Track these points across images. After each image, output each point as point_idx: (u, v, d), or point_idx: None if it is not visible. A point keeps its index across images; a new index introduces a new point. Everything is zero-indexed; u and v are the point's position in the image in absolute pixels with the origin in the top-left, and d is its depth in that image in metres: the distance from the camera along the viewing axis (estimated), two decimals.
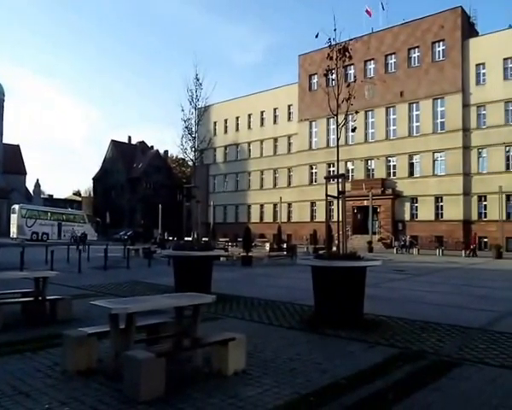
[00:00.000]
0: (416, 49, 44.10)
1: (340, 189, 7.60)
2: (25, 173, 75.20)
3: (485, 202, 39.78)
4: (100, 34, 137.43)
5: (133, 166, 77.03)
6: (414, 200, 43.38)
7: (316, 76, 49.04)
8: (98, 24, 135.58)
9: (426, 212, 42.24)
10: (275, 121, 55.57)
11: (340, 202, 7.58)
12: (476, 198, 40.21)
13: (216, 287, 9.85)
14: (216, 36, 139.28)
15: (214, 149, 59.73)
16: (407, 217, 43.50)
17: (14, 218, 47.53)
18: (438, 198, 41.91)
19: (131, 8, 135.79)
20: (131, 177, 75.15)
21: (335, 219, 7.74)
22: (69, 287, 10.85)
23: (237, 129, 59.63)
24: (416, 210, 43.30)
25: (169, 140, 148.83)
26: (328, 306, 6.99)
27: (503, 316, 8.36)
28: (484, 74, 40.44)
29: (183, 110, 12.03)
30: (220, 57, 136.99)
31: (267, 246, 27.96)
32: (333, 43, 8.01)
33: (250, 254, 20.24)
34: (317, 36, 8.49)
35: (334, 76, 8.22)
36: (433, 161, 42.63)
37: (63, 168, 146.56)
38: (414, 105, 44.09)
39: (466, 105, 40.76)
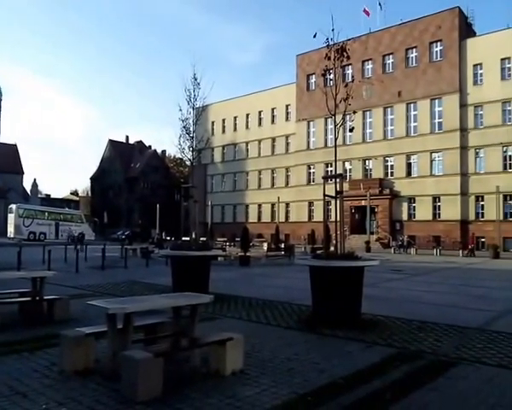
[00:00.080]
0: (414, 50, 44.20)
1: (338, 189, 7.60)
2: (22, 173, 75.06)
3: (482, 202, 39.91)
4: (99, 34, 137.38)
5: (131, 165, 76.95)
6: (411, 200, 43.47)
7: (314, 76, 49.07)
8: (97, 23, 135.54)
9: (423, 212, 42.33)
10: (273, 121, 55.60)
11: (338, 201, 7.59)
12: (473, 198, 40.33)
13: (214, 287, 9.84)
14: (214, 35, 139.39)
15: (212, 149, 59.71)
16: (405, 217, 43.59)
17: (11, 217, 47.41)
18: (435, 198, 42.01)
19: (130, 8, 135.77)
20: (129, 176, 75.07)
21: (333, 219, 7.74)
22: (67, 287, 10.82)
23: (235, 129, 59.63)
24: (414, 210, 43.40)
25: (167, 140, 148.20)
26: (325, 306, 7.00)
27: (500, 316, 8.39)
28: (481, 75, 40.56)
29: (180, 110, 12.00)
30: (218, 57, 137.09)
31: (265, 246, 27.97)
32: (331, 43, 8.01)
33: (248, 254, 20.24)
34: (314, 36, 8.48)
35: (331, 76, 8.22)
36: (431, 161, 42.74)
37: (61, 168, 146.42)
38: (411, 105, 44.18)
39: (463, 105, 40.87)
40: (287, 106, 53.90)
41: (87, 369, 4.49)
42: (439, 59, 42.66)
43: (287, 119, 54.04)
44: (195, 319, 4.74)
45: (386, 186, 44.36)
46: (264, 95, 55.43)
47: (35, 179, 74.80)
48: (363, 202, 42.30)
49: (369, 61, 46.76)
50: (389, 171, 45.39)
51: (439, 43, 42.73)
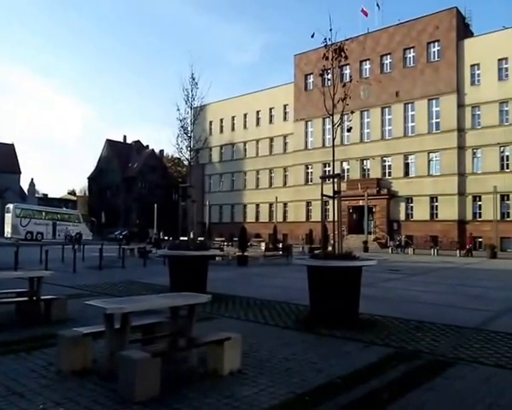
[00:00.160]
0: (412, 50, 44.27)
1: (336, 189, 7.61)
2: (19, 172, 74.80)
3: (479, 202, 40.00)
4: (97, 34, 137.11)
5: (128, 165, 76.83)
6: (409, 200, 43.55)
7: (312, 76, 49.10)
8: (95, 23, 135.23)
9: (421, 212, 42.41)
10: (270, 121, 55.61)
11: (336, 201, 7.60)
12: (471, 198, 40.43)
13: (211, 287, 9.84)
14: (212, 35, 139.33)
15: (210, 149, 59.70)
16: (402, 217, 43.67)
17: (8, 217, 47.30)
18: (433, 198, 42.09)
19: (130, 8, 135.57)
20: (127, 176, 74.94)
21: (331, 218, 7.74)
22: (64, 287, 10.80)
23: (233, 128, 59.62)
24: (411, 210, 43.48)
25: (164, 139, 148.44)
26: (323, 305, 7.00)
27: (497, 316, 8.41)
28: (479, 75, 40.65)
29: (178, 109, 12.01)
30: (217, 57, 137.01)
31: (263, 246, 27.96)
32: (328, 43, 8.02)
33: (246, 253, 20.24)
34: (312, 36, 8.50)
35: (329, 76, 8.23)
36: (428, 161, 42.82)
37: (58, 167, 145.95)
38: (409, 105, 44.25)
39: (461, 105, 40.96)
40: (285, 106, 53.91)
41: (84, 369, 4.48)
42: (436, 59, 42.75)
43: (285, 118, 54.07)
44: (193, 319, 4.74)
45: (383, 186, 44.43)
46: (262, 95, 55.44)
47: (32, 179, 74.45)
48: (360, 202, 42.35)
49: (367, 61, 46.82)
50: (387, 171, 45.45)
51: (436, 44, 42.81)
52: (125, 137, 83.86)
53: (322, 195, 7.71)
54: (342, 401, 3.87)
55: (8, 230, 46.92)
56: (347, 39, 8.48)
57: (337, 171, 8.22)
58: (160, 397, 3.86)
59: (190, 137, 12.02)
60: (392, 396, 4.00)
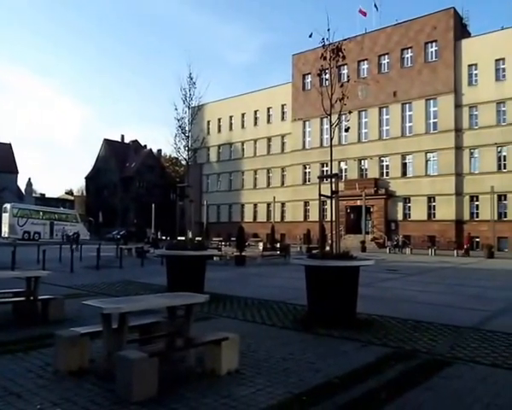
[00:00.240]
0: (409, 50, 44.34)
1: (334, 188, 7.62)
2: (16, 172, 74.60)
3: (477, 202, 40.10)
4: (96, 33, 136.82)
5: (126, 165, 76.74)
6: (407, 200, 43.62)
7: (309, 76, 49.14)
8: (94, 22, 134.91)
9: (418, 212, 42.49)
10: (268, 121, 55.61)
11: (334, 201, 7.60)
12: (468, 198, 40.53)
13: (209, 287, 9.83)
14: (210, 35, 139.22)
15: (208, 149, 59.67)
16: (400, 217, 43.74)
17: (5, 217, 47.14)
18: (430, 198, 42.18)
19: (128, 7, 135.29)
20: (124, 176, 74.85)
21: (329, 218, 7.76)
22: (61, 287, 10.78)
23: (231, 128, 59.59)
24: (409, 210, 43.55)
25: (162, 139, 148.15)
26: (321, 305, 7.01)
27: (494, 315, 8.43)
28: (476, 75, 40.75)
29: (176, 109, 12.00)
30: (215, 56, 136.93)
31: (260, 245, 27.98)
32: (326, 43, 8.03)
33: (243, 253, 20.24)
34: (310, 36, 8.52)
35: (327, 76, 8.24)
36: (426, 161, 42.90)
37: (55, 167, 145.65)
38: (407, 105, 44.32)
39: (458, 105, 41.05)
40: (282, 106, 53.93)
41: (82, 369, 4.47)
42: (434, 59, 42.83)
43: (282, 118, 54.08)
44: (191, 319, 4.74)
45: (381, 186, 44.48)
46: (260, 94, 55.43)
47: (30, 179, 74.37)
48: (358, 202, 42.40)
49: (365, 61, 46.88)
50: (384, 171, 45.52)
51: (434, 44, 42.89)
52: (122, 136, 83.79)
53: (320, 195, 7.72)
54: (340, 401, 3.87)
55: (5, 229, 46.77)
56: (345, 39, 8.48)
57: (335, 171, 8.23)
58: (157, 397, 3.85)
59: (188, 136, 12.01)
60: (389, 396, 4.01)
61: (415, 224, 42.11)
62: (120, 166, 75.89)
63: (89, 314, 6.43)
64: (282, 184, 53.74)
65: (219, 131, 60.76)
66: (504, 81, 39.13)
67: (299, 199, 50.13)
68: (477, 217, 39.86)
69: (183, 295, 5.23)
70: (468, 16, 45.40)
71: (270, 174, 55.34)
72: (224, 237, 35.58)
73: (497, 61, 39.53)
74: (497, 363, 5.10)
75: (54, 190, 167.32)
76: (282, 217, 52.52)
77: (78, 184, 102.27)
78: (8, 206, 47.74)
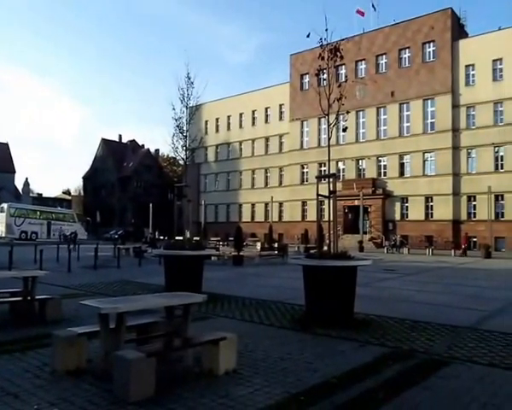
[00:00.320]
0: (407, 50, 44.41)
1: (332, 188, 7.62)
2: (14, 172, 74.42)
3: (474, 202, 40.20)
4: (94, 33, 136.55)
5: (124, 164, 76.61)
6: (404, 200, 43.69)
7: (307, 76, 49.14)
8: (92, 21, 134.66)
9: (416, 212, 42.56)
10: (266, 120, 55.61)
11: (332, 201, 7.60)
12: (465, 198, 40.62)
13: (207, 286, 9.83)
14: (208, 35, 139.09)
15: (205, 148, 59.64)
16: (397, 217, 43.81)
17: (2, 217, 46.98)
18: (428, 198, 42.26)
19: (126, 7, 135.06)
20: (122, 176, 74.72)
21: (326, 218, 7.76)
22: (58, 286, 10.76)
23: (229, 128, 59.57)
24: (407, 210, 43.63)
25: (160, 139, 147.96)
26: (318, 305, 7.01)
27: (491, 315, 8.45)
28: (473, 75, 40.85)
29: (174, 109, 11.98)
30: (212, 56, 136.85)
31: (258, 245, 27.97)
32: (324, 43, 8.03)
33: (241, 253, 20.23)
34: (308, 36, 8.51)
35: (325, 76, 8.24)
36: (424, 161, 42.98)
37: (53, 167, 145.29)
38: (404, 105, 44.39)
39: (456, 106, 41.15)
40: (280, 105, 53.94)
41: (79, 369, 4.46)
42: (431, 59, 42.91)
43: (280, 118, 54.09)
44: (188, 319, 4.73)
45: (379, 186, 44.55)
46: (258, 94, 55.43)
47: (27, 178, 74.12)
48: (356, 202, 42.44)
49: (363, 62, 46.92)
50: (382, 171, 45.58)
51: (431, 44, 42.97)
52: (120, 136, 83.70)
53: (318, 194, 7.72)
54: (337, 401, 3.87)
55: (2, 229, 46.61)
56: (343, 39, 8.50)
57: (332, 171, 8.24)
58: (155, 397, 3.85)
59: (186, 136, 12.00)
60: (387, 396, 4.01)
61: (412, 224, 42.19)
62: (118, 166, 75.76)
63: (86, 314, 6.42)
64: (280, 183, 53.75)
65: (217, 130, 60.73)
66: (501, 81, 39.24)
67: (297, 199, 50.16)
68: (474, 217, 39.96)
69: (181, 294, 5.22)
70: (465, 17, 45.50)
71: (268, 174, 55.33)
72: (222, 237, 35.57)
73: (494, 61, 39.63)
74: (495, 363, 5.11)
75: (51, 190, 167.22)
76: (280, 217, 52.54)
77: (75, 184, 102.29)
78: (5, 205, 47.61)
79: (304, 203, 49.81)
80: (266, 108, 55.42)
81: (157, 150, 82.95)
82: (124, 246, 25.48)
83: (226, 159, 59.83)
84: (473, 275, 17.46)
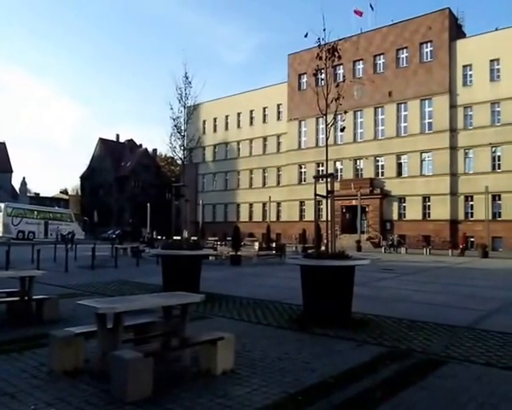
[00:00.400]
0: (405, 50, 44.48)
1: (329, 188, 7.62)
2: (11, 171, 74.16)
3: (471, 202, 40.30)
4: (92, 32, 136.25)
5: (121, 164, 76.50)
6: (402, 199, 43.77)
7: (305, 75, 49.16)
8: (90, 21, 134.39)
9: (413, 211, 42.65)
10: (264, 120, 55.62)
11: (329, 201, 7.61)
12: (463, 198, 40.71)
13: (204, 286, 9.82)
14: (207, 34, 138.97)
15: (203, 148, 59.60)
16: (395, 216, 43.89)
17: None
18: (425, 198, 42.34)
19: (124, 6, 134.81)
20: (120, 175, 74.62)
21: (324, 218, 7.76)
22: (56, 286, 10.74)
23: (226, 128, 59.55)
24: (404, 210, 43.71)
25: (158, 138, 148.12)
26: (316, 305, 7.01)
27: (488, 315, 8.47)
28: (471, 76, 40.95)
29: (171, 108, 11.98)
30: (211, 56, 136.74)
31: (256, 245, 27.94)
32: (322, 43, 8.03)
33: (239, 253, 20.22)
34: (306, 36, 8.52)
35: (323, 76, 8.24)
36: (421, 161, 43.06)
37: (50, 166, 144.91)
38: (402, 105, 44.47)
39: (453, 106, 41.23)
40: (278, 105, 53.95)
41: (76, 369, 4.45)
42: (429, 60, 42.99)
43: (278, 118, 54.10)
44: (186, 319, 4.73)
45: (376, 186, 44.62)
46: (256, 94, 55.42)
47: (24, 178, 73.82)
48: (353, 202, 42.49)
49: (361, 62, 46.98)
50: (380, 171, 45.65)
51: (429, 44, 43.05)
52: (117, 135, 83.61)
53: (316, 194, 7.72)
54: (335, 401, 3.87)
55: None
56: (341, 39, 8.49)
57: (330, 170, 8.24)
58: (152, 397, 3.84)
59: (184, 136, 11.99)
60: (384, 395, 4.02)
61: (410, 223, 42.27)
62: (115, 166, 75.66)
63: (83, 314, 6.41)
64: (278, 183, 53.76)
65: (215, 130, 60.70)
66: (499, 82, 39.34)
67: (295, 199, 50.19)
68: (471, 217, 40.06)
69: (179, 294, 5.22)
70: (463, 17, 45.66)
71: (266, 174, 55.34)
72: (220, 237, 35.51)
73: (491, 61, 39.72)
74: (492, 362, 5.12)
75: (48, 190, 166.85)
76: (278, 217, 52.55)
77: (72, 184, 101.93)
78: (2, 205, 47.45)
79: (302, 203, 49.84)
80: (264, 108, 55.42)
81: (155, 150, 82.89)
82: (121, 246, 25.44)
83: (224, 159, 59.81)
84: (470, 275, 17.50)
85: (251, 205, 55.95)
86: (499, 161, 39.31)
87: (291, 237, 44.85)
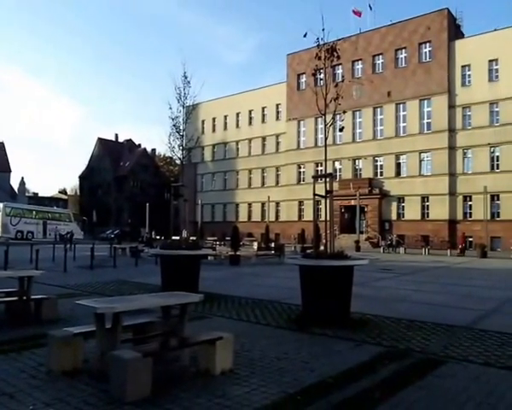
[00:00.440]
0: (403, 50, 44.51)
1: (328, 188, 7.63)
2: (9, 171, 73.99)
3: (470, 202, 40.36)
4: (91, 32, 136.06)
5: (120, 164, 76.42)
6: (400, 199, 43.81)
7: (304, 75, 49.16)
8: (88, 20, 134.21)
9: (412, 211, 42.68)
10: (263, 120, 55.61)
11: (328, 201, 7.61)
12: (461, 198, 40.77)
13: (203, 286, 9.82)
14: (205, 34, 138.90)
15: (202, 148, 59.58)
16: (394, 216, 43.92)
17: None
18: (424, 198, 42.39)
19: (122, 6, 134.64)
20: (118, 175, 74.54)
21: (323, 218, 7.77)
22: (54, 286, 10.72)
23: (225, 128, 59.53)
24: (403, 210, 43.74)
25: (156, 138, 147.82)
26: (315, 305, 7.01)
27: (486, 314, 8.48)
28: (469, 76, 41.00)
29: (170, 108, 11.99)
30: (209, 55, 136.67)
31: (255, 245, 27.94)
32: (321, 43, 8.04)
33: (238, 253, 20.22)
34: (305, 36, 8.54)
35: (322, 76, 8.25)
36: (420, 161, 43.10)
37: (49, 166, 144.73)
38: (401, 105, 44.50)
39: (452, 106, 41.27)
40: (277, 105, 53.96)
41: (75, 369, 4.45)
42: (428, 60, 43.02)
43: (277, 118, 54.10)
44: (185, 319, 4.73)
45: (375, 186, 44.64)
46: (255, 94, 55.40)
47: (22, 178, 73.83)
48: (352, 202, 42.50)
49: (359, 62, 47.00)
50: (378, 171, 45.68)
51: (428, 44, 43.08)
52: (116, 135, 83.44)
53: (315, 194, 7.72)
54: (334, 400, 3.88)
55: None
56: (339, 39, 8.50)
57: (329, 170, 8.25)
58: (151, 397, 3.84)
59: (183, 135, 11.99)
60: (383, 395, 4.02)
61: (408, 223, 42.30)
62: (114, 166, 75.58)
63: (82, 314, 6.40)
64: (277, 183, 53.77)
65: (214, 130, 60.67)
66: (497, 82, 39.39)
67: (294, 199, 50.19)
68: (470, 217, 40.11)
69: (178, 294, 5.21)
70: (461, 17, 45.72)
71: (265, 174, 55.34)
72: (219, 237, 35.50)
73: (490, 61, 39.78)
74: (490, 362, 5.13)
75: (47, 190, 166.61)
76: (277, 216, 52.56)
77: (71, 183, 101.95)
78: (0, 205, 47.35)
79: (300, 203, 49.85)
80: (263, 108, 55.42)
81: (154, 150, 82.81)
82: (120, 246, 25.41)
83: (223, 158, 59.79)
84: (469, 275, 17.53)
85: (250, 205, 55.94)
86: (498, 161, 39.36)
87: (290, 236, 44.87)
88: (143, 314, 5.62)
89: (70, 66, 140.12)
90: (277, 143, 54.14)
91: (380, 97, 45.08)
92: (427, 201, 42.27)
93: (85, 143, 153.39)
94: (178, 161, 13.29)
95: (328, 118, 7.95)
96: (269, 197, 46.76)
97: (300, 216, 49.89)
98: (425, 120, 43.09)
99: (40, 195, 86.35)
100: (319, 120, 44.06)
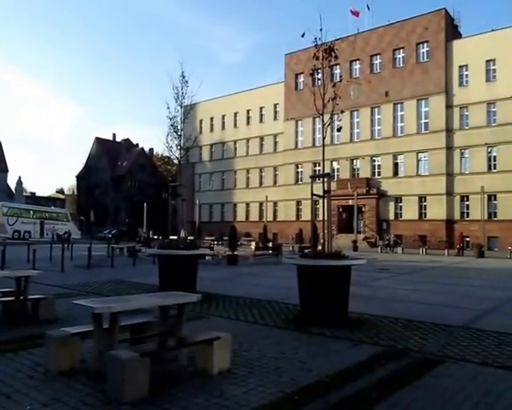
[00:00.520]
0: (401, 50, 44.57)
1: (326, 188, 7.63)
2: (6, 170, 73.79)
3: (467, 202, 40.44)
4: (89, 32, 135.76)
5: (118, 163, 76.29)
6: (398, 199, 43.86)
7: (302, 75, 49.21)
8: (86, 20, 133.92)
9: (410, 211, 42.74)
10: (261, 120, 55.60)
11: (326, 201, 7.61)
12: (459, 198, 40.84)
13: (201, 286, 9.82)
14: (203, 34, 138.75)
15: (200, 148, 59.53)
16: (391, 216, 43.98)
17: None
18: (421, 198, 42.45)
19: (121, 6, 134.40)
20: (116, 175, 74.40)
21: (321, 218, 7.77)
22: (52, 286, 10.70)
23: (223, 127, 59.50)
24: (400, 209, 43.81)
25: (154, 138, 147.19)
26: (313, 304, 7.02)
27: (484, 314, 8.51)
28: (467, 76, 41.07)
29: (168, 108, 11.94)
30: (207, 55, 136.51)
31: (253, 245, 27.93)
32: (319, 43, 8.04)
33: (236, 252, 20.22)
34: (303, 35, 8.54)
35: (320, 76, 8.25)
36: (417, 161, 43.17)
37: (46, 166, 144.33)
38: (398, 105, 44.55)
39: (449, 106, 41.35)
40: (275, 105, 53.95)
41: (72, 369, 4.44)
42: (425, 60, 43.08)
43: (275, 118, 54.09)
44: (182, 319, 4.72)
45: (373, 186, 44.69)
46: (253, 94, 55.38)
47: (20, 177, 73.41)
48: (350, 202, 42.56)
49: (357, 62, 47.03)
50: (376, 170, 45.73)
51: (425, 44, 43.15)
52: (114, 135, 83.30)
53: (312, 194, 7.73)
54: (331, 400, 3.88)
55: None
56: (337, 39, 8.51)
57: (327, 170, 8.25)
58: (148, 397, 3.83)
59: (180, 135, 11.96)
60: (380, 395, 4.03)
61: (406, 223, 42.36)
62: (112, 165, 75.43)
63: (79, 314, 6.39)
64: (275, 183, 53.76)
65: (212, 130, 60.63)
66: (495, 82, 39.48)
67: (292, 198, 50.19)
68: (467, 217, 40.19)
69: (175, 294, 5.21)
70: (459, 17, 45.75)
71: (263, 174, 55.34)
72: (217, 237, 35.48)
73: (487, 61, 39.86)
74: (487, 361, 5.14)
75: (44, 189, 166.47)
76: (275, 216, 52.56)
77: (69, 183, 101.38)
78: None
79: (298, 203, 49.86)
80: (261, 108, 55.41)
81: (151, 149, 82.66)
82: (118, 245, 25.36)
83: (221, 158, 59.76)
84: (466, 274, 17.57)
85: (248, 205, 55.92)
86: (495, 161, 39.46)
87: (288, 236, 44.84)
88: (141, 314, 5.62)
89: (69, 66, 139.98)
90: (275, 143, 54.14)
91: (377, 97, 45.14)
92: (425, 201, 42.35)
93: (83, 143, 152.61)
94: (176, 161, 13.28)
95: (326, 118, 7.95)
96: (267, 197, 46.81)
97: (298, 216, 49.90)
98: (422, 120, 43.16)
99: (37, 194, 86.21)
100: (317, 119, 44.03)
